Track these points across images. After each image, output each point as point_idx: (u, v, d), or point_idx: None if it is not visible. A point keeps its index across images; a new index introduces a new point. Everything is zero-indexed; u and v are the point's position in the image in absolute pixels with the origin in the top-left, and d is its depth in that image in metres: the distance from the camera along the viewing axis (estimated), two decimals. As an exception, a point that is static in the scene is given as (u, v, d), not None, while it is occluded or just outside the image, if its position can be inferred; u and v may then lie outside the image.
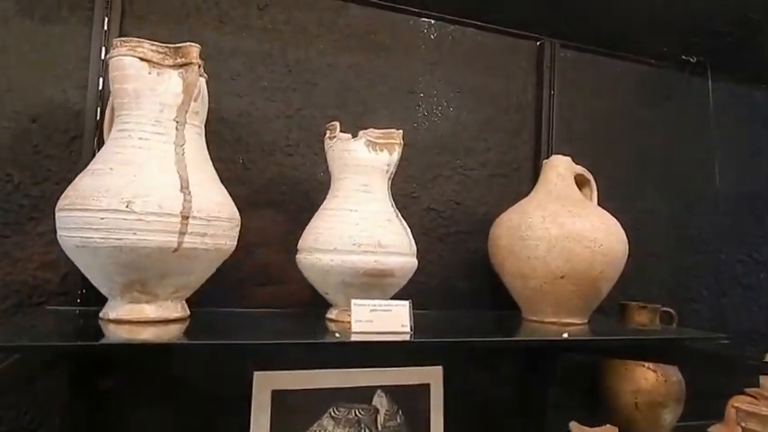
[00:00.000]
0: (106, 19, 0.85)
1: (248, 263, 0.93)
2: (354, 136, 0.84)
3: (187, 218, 0.70)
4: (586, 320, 0.97)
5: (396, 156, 0.86)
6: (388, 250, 0.80)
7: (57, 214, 0.69)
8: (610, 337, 0.92)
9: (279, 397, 0.90)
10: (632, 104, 1.27)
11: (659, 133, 1.29)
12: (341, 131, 0.84)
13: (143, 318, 0.72)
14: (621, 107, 1.25)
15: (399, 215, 0.87)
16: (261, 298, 0.94)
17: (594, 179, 1.03)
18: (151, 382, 0.87)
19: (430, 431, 0.99)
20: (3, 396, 0.79)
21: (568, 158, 1.01)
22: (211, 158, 0.91)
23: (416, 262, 0.87)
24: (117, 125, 0.73)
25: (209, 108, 0.92)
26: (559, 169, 0.99)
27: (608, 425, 1.05)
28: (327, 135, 0.85)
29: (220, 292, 0.90)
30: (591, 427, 1.04)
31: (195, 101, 0.76)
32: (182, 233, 0.69)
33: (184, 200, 0.70)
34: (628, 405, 1.08)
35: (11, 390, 0.76)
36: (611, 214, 0.96)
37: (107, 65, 0.75)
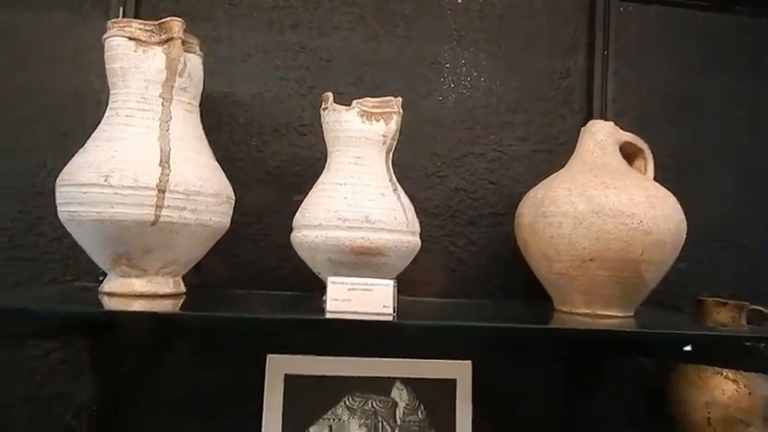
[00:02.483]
0: (121, 9, 0.90)
1: (262, 244, 0.92)
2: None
3: (164, 191, 0.70)
4: (630, 314, 0.82)
5: (393, 125, 0.80)
6: (376, 226, 0.74)
7: (56, 192, 0.74)
8: (653, 330, 0.77)
9: (292, 382, 0.88)
10: (711, 68, 1.07)
11: (745, 104, 1.07)
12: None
13: (132, 291, 0.74)
14: (696, 72, 1.06)
15: (399, 190, 0.80)
16: (271, 280, 0.92)
17: (653, 152, 0.87)
18: (158, 359, 0.89)
19: (455, 430, 0.91)
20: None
21: (610, 124, 0.87)
22: (225, 141, 0.94)
23: (418, 241, 0.80)
24: (109, 105, 0.76)
25: (222, 92, 0.94)
26: (598, 136, 0.85)
27: (673, 440, 0.88)
28: (322, 107, 0.82)
29: (229, 274, 0.91)
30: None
31: (180, 76, 0.76)
32: (158, 206, 0.70)
33: (162, 173, 0.71)
34: (699, 420, 0.90)
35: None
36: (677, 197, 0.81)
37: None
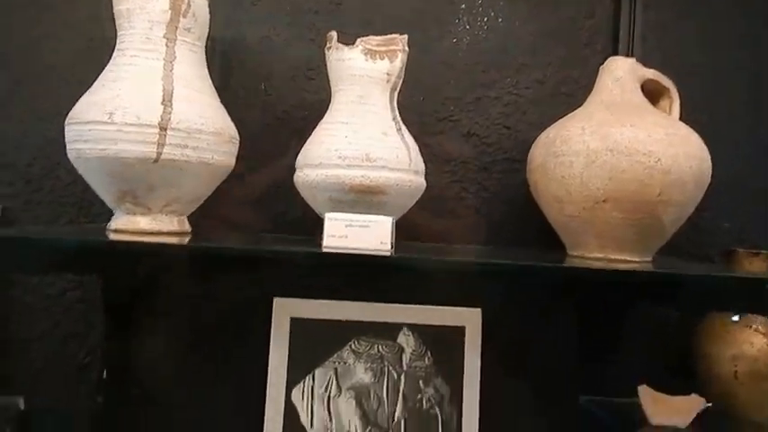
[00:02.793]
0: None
1: (269, 188, 0.92)
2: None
3: (165, 129, 0.70)
4: (647, 259, 0.78)
5: (398, 63, 0.78)
6: (377, 164, 0.73)
7: (65, 131, 0.75)
8: (669, 270, 0.72)
9: (298, 325, 0.89)
10: (746, 11, 0.98)
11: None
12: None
13: (137, 229, 0.75)
14: (731, 14, 0.98)
15: (404, 130, 0.78)
16: (279, 224, 0.92)
17: (681, 95, 0.82)
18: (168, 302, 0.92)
19: (463, 378, 0.90)
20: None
21: (631, 60, 0.81)
22: (233, 86, 0.93)
23: (422, 181, 0.78)
24: (116, 46, 0.76)
25: (230, 37, 0.94)
26: (617, 73, 0.80)
27: (693, 394, 0.84)
28: (326, 46, 0.80)
29: (235, 217, 0.91)
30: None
31: (185, 17, 0.75)
32: (160, 144, 0.70)
33: (164, 111, 0.71)
34: (725, 374, 0.86)
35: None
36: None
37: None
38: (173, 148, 0.71)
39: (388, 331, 0.90)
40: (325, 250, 0.67)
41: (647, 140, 0.72)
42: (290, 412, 0.87)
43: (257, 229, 0.92)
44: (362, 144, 0.73)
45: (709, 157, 0.76)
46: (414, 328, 0.91)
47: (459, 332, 0.90)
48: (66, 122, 0.74)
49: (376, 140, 0.74)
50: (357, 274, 0.90)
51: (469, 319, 0.91)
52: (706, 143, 0.76)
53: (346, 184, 0.73)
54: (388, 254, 0.67)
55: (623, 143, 0.72)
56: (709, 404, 0.85)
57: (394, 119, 0.78)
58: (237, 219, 0.91)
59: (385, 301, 0.90)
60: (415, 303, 0.90)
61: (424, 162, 0.80)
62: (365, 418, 0.88)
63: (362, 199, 0.74)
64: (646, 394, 0.84)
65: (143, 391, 0.90)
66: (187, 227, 0.79)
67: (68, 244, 0.67)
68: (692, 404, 0.82)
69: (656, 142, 0.72)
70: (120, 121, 0.69)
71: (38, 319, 0.90)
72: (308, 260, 0.72)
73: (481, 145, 0.96)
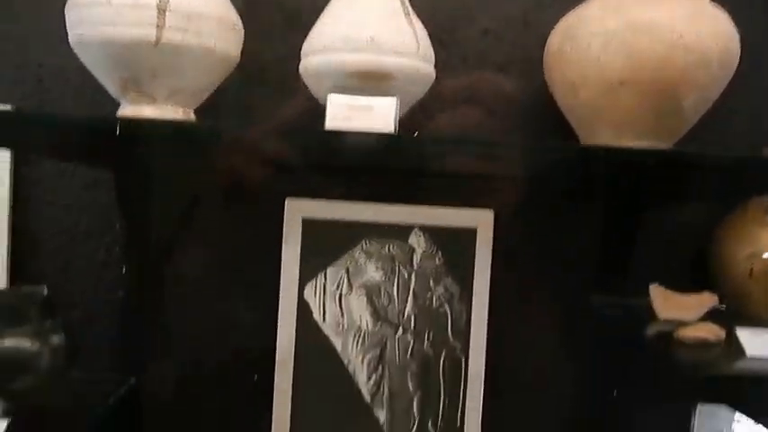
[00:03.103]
0: None
1: (276, 83, 0.90)
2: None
3: (164, 11, 0.69)
4: (669, 146, 0.75)
5: (407, -55, 0.74)
6: (383, 48, 0.70)
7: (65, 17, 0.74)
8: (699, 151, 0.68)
9: (309, 225, 0.90)
10: None
11: None
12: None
13: (142, 116, 0.75)
14: None
15: (412, 15, 0.75)
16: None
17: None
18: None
19: (474, 278, 0.90)
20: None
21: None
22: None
23: (431, 69, 0.76)
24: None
25: None
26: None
27: (706, 292, 0.83)
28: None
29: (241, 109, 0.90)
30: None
31: None
32: (159, 27, 0.69)
33: (162, -7, 0.69)
34: (740, 273, 0.83)
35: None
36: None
37: None
38: (173, 32, 0.70)
39: (399, 232, 0.90)
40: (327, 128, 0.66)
41: (670, 18, 0.67)
42: (303, 309, 0.89)
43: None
44: (368, 27, 0.70)
45: (738, 39, 0.71)
46: (425, 229, 0.90)
47: (470, 233, 0.90)
48: (66, 8, 0.73)
49: (383, 23, 0.71)
50: (367, 172, 0.89)
51: (481, 220, 0.90)
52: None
53: (351, 69, 0.71)
54: (392, 132, 0.66)
55: (644, 21, 0.68)
56: (723, 305, 0.84)
57: (402, 3, 0.74)
58: (242, 111, 0.90)
59: (396, 203, 0.90)
60: (427, 204, 0.90)
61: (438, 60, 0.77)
62: (376, 314, 0.89)
63: (368, 85, 0.71)
64: (657, 292, 0.83)
65: (160, 288, 0.93)
66: (193, 118, 0.79)
67: (79, 121, 0.68)
68: (704, 300, 0.80)
69: (679, 19, 0.67)
70: (117, 3, 0.68)
71: (58, 218, 0.93)
72: (309, 140, 0.71)
73: (498, 43, 0.92)
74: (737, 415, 0.83)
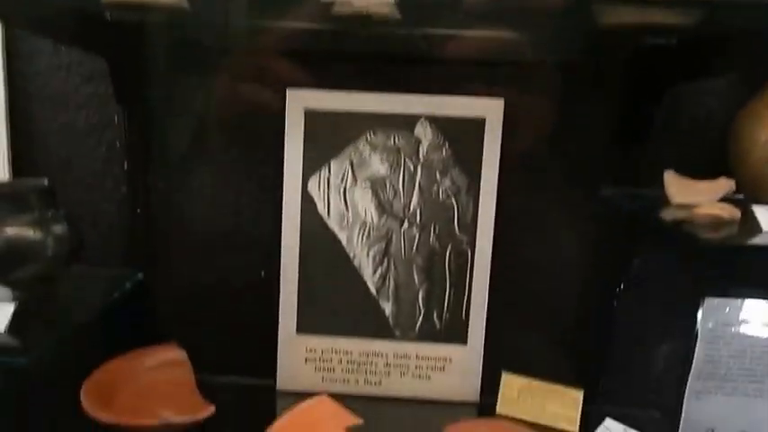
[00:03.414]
0: None
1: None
2: None
3: None
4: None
5: None
6: None
7: None
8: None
9: (312, 117, 0.86)
10: None
11: None
12: None
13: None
14: None
15: None
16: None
17: None
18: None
19: (481, 170, 0.87)
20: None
21: None
22: None
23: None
24: None
25: None
26: None
27: (723, 177, 0.80)
28: None
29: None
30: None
31: None
32: None
33: None
34: (758, 160, 0.79)
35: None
36: None
37: None
38: None
39: (404, 122, 0.87)
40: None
41: None
42: (307, 202, 0.87)
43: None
44: None
45: None
46: (431, 119, 0.87)
47: (479, 124, 0.86)
48: None
49: None
50: (370, 58, 0.85)
51: (491, 109, 0.86)
52: None
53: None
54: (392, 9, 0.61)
55: None
56: (741, 195, 0.81)
57: None
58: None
59: (402, 92, 0.86)
60: (434, 94, 0.86)
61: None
62: (381, 207, 0.88)
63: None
64: (671, 178, 0.80)
65: (162, 183, 0.92)
66: (185, 4, 0.74)
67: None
68: (720, 186, 0.77)
69: None
70: None
71: (56, 113, 0.91)
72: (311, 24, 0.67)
73: None
74: (745, 307, 0.82)
